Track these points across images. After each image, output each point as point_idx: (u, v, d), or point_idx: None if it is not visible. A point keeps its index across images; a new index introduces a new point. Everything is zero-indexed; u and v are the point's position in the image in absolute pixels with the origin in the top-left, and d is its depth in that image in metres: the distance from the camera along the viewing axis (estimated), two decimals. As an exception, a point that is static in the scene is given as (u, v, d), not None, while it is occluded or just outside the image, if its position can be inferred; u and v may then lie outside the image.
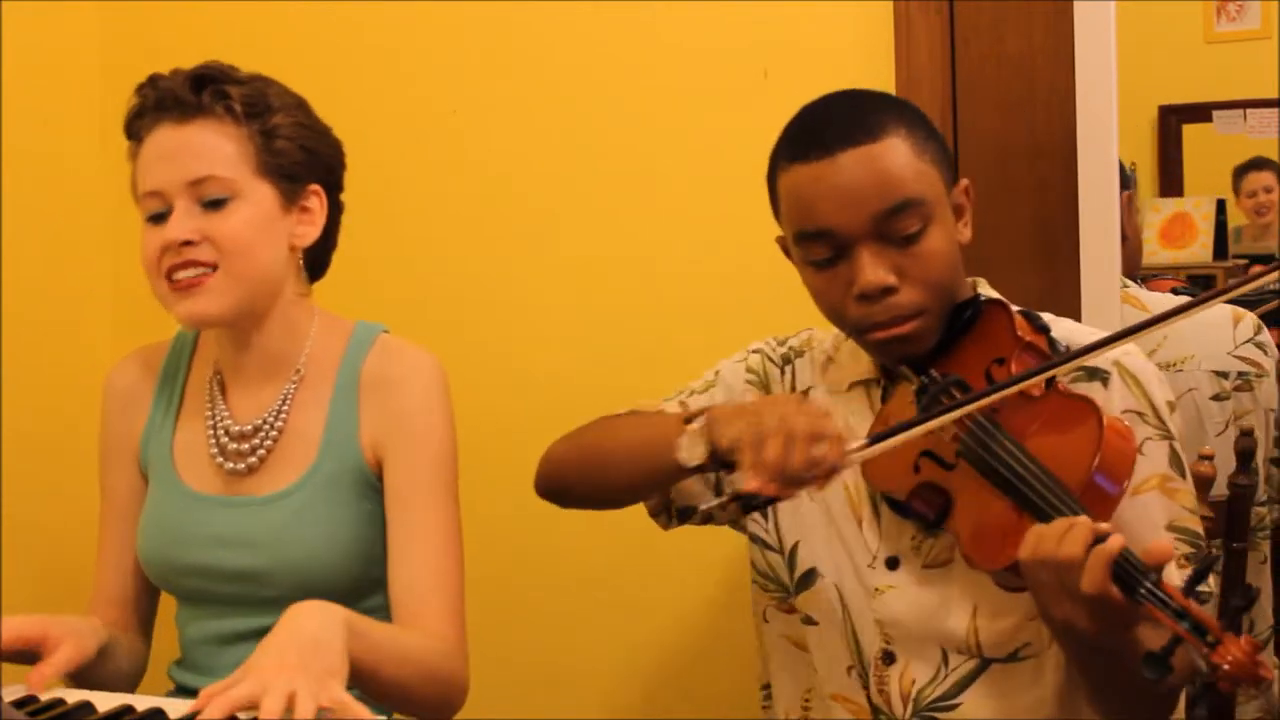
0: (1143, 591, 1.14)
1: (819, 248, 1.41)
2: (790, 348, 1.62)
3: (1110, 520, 1.25)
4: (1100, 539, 1.17)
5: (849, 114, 1.42)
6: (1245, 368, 2.02)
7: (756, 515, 1.58)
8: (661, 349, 2.11)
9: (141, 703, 1.33)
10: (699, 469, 1.38)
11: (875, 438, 1.31)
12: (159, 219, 1.53)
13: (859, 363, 1.53)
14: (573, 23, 2.13)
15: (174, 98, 1.53)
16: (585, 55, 2.13)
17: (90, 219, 1.58)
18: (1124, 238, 2.11)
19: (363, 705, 1.27)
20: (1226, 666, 1.08)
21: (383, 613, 1.57)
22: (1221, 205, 3.98)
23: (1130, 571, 1.15)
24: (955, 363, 1.41)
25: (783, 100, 2.03)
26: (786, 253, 1.52)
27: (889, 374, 1.51)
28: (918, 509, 1.40)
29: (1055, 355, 1.38)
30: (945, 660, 1.44)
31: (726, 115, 2.06)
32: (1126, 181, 2.18)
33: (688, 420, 1.39)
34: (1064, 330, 1.45)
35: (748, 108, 2.05)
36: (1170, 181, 4.28)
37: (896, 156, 1.38)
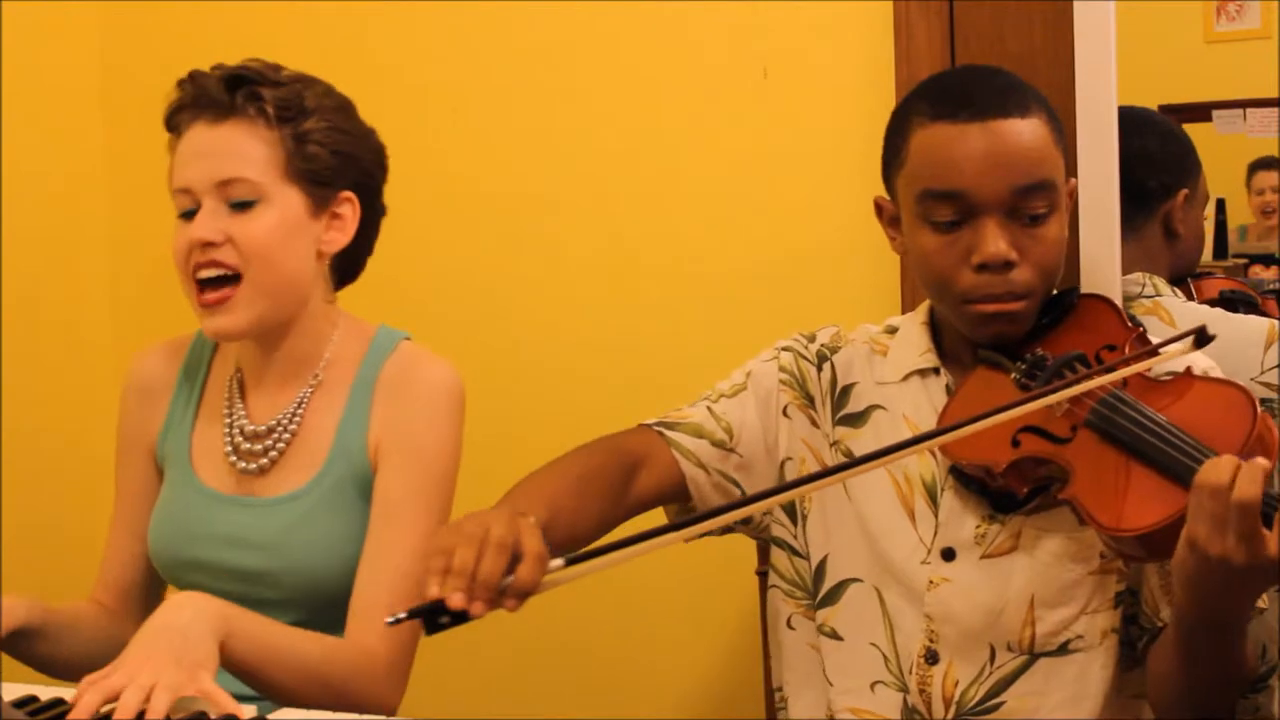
0: None
1: (946, 209, 1.40)
2: (823, 345, 1.57)
3: None
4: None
5: (1003, 84, 1.43)
6: (1270, 394, 1.93)
7: (783, 519, 1.53)
8: (662, 347, 2.11)
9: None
10: None
11: (579, 556, 1.22)
12: (189, 216, 1.54)
13: (916, 352, 1.51)
14: (573, 23, 2.12)
15: (209, 97, 1.54)
16: (585, 55, 2.13)
17: (90, 219, 1.59)
18: (1176, 236, 2.05)
19: (230, 697, 1.28)
20: None
21: None
22: (1221, 205, 3.97)
23: None
24: (1053, 349, 1.41)
25: (783, 100, 2.05)
26: (880, 211, 1.50)
27: (949, 363, 1.49)
28: (1009, 485, 1.38)
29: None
30: (991, 658, 1.42)
31: (726, 115, 2.06)
32: (1185, 178, 2.10)
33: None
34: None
35: (748, 108, 2.05)
36: (1170, 181, 4.29)
37: (1042, 137, 1.40)
